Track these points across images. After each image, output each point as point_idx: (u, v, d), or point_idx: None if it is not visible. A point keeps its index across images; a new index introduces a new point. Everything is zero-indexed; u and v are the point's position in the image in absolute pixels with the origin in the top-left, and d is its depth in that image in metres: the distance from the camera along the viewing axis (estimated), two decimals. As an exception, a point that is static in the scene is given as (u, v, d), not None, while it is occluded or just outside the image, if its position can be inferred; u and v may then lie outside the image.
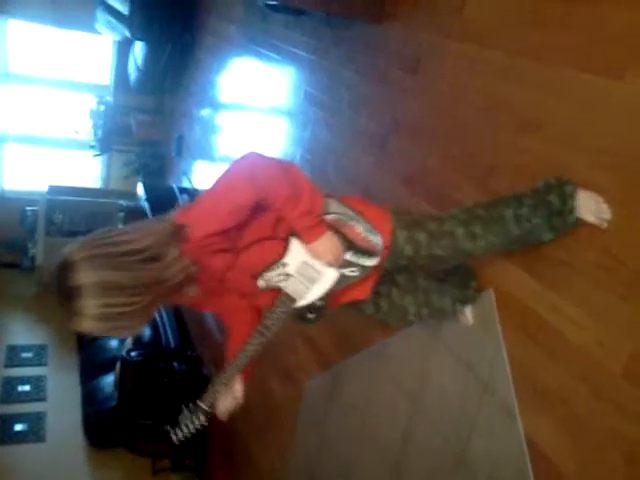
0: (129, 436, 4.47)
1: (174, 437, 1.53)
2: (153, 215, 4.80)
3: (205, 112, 5.15)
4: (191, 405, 1.52)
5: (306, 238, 1.41)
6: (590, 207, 1.64)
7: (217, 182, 1.37)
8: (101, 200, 6.17)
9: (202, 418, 1.51)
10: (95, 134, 6.13)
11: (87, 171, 6.73)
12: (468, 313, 2.08)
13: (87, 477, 4.37)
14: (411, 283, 1.85)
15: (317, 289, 1.47)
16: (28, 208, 5.91)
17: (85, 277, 1.18)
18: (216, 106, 4.94)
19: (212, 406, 1.53)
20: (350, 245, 1.46)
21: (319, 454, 3.09)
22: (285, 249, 1.44)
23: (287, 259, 1.44)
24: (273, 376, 3.62)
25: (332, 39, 3.09)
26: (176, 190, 5.07)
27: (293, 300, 1.47)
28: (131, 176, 6.31)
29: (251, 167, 1.34)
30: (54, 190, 6.02)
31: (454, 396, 2.15)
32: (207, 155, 5.06)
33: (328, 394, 3.01)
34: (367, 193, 2.71)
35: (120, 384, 4.40)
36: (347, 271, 1.48)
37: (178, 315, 5.10)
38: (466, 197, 2.14)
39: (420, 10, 2.45)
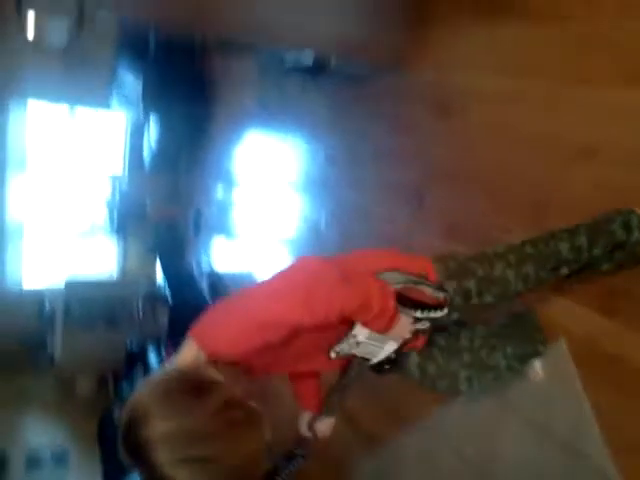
0: None
1: None
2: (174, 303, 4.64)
3: (222, 187, 5.07)
4: None
5: (384, 331, 1.31)
6: None
7: (257, 291, 1.16)
8: (119, 291, 6.06)
9: None
10: (111, 220, 6.11)
11: (104, 255, 6.65)
12: (537, 366, 1.86)
13: None
14: (454, 343, 1.67)
15: (389, 346, 1.42)
16: (46, 304, 5.80)
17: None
18: (233, 181, 4.86)
19: None
20: (417, 304, 1.40)
21: None
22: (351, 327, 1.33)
23: (356, 331, 1.33)
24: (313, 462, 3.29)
25: (352, 95, 3.01)
26: (196, 276, 4.95)
27: (368, 360, 1.45)
28: (148, 257, 6.23)
29: (309, 284, 1.11)
30: (71, 284, 5.91)
31: (532, 465, 1.87)
32: (226, 232, 4.95)
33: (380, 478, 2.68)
34: (407, 250, 2.53)
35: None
36: (418, 325, 1.42)
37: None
38: (517, 239, 1.95)
39: (452, 50, 2.36)
